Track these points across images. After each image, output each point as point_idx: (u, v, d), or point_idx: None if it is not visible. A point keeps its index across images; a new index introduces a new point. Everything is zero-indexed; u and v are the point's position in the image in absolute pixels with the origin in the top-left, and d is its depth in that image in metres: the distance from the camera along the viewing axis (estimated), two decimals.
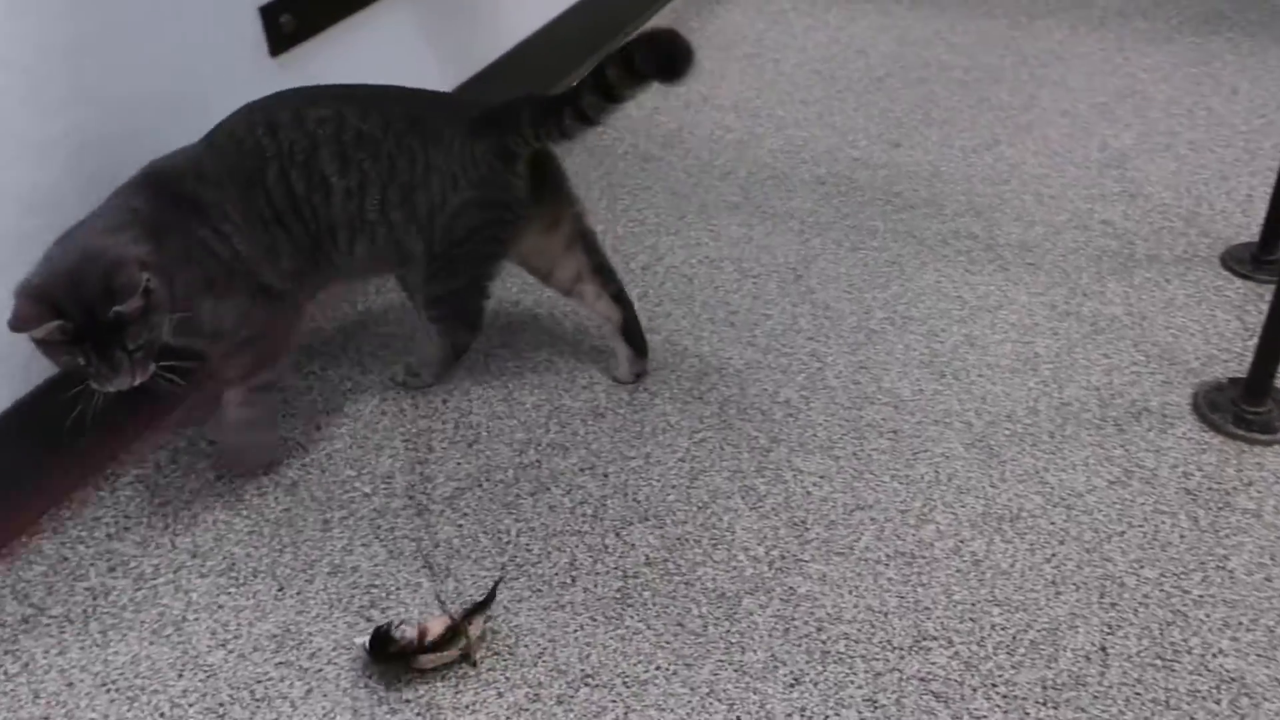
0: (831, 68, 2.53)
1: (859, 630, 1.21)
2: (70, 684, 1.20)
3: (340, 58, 1.74)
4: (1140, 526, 1.33)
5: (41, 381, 1.37)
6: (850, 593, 1.26)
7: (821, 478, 1.42)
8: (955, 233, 1.91)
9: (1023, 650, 1.18)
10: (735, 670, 1.17)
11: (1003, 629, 1.21)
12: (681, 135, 2.28)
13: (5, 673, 1.21)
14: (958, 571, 1.28)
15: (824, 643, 1.20)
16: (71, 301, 1.12)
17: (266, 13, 1.56)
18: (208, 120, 1.35)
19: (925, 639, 1.20)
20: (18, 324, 1.12)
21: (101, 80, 1.33)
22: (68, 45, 1.27)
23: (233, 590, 1.30)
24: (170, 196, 1.26)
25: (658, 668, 1.18)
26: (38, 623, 1.27)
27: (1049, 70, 2.49)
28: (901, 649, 1.19)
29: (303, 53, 1.65)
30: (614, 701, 1.15)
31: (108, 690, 1.19)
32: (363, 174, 1.32)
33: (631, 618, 1.24)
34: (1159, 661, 1.16)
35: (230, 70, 1.53)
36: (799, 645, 1.20)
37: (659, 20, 2.82)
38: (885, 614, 1.23)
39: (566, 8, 2.43)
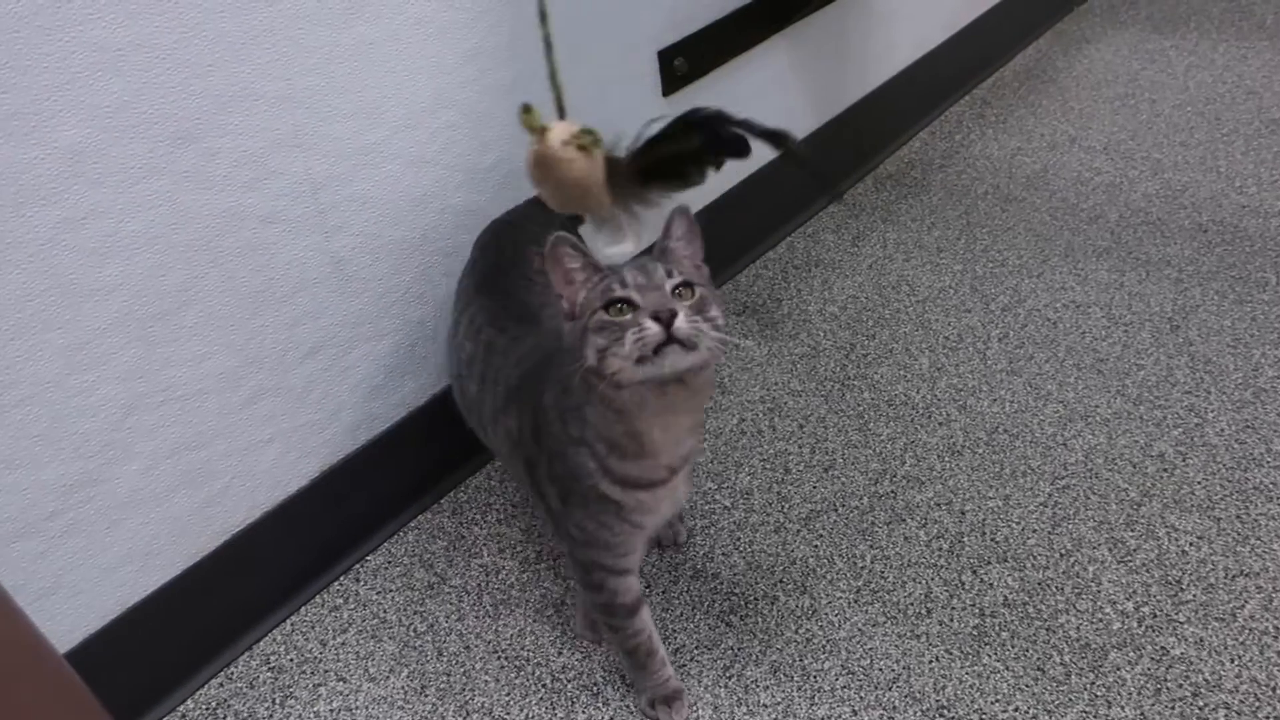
0: (1217, 109, 2.38)
1: (1241, 702, 1.14)
2: (467, 647, 1.35)
3: (722, 97, 1.85)
4: None
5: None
6: (1231, 661, 1.19)
7: (1199, 538, 1.34)
8: None
9: None
10: None
11: None
12: (1045, 176, 2.23)
13: (414, 630, 1.38)
14: None
15: (1200, 709, 1.14)
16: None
17: (663, 56, 1.70)
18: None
19: None
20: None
21: None
22: (503, 86, 1.45)
23: None
24: None
25: (1016, 709, 1.17)
26: (440, 590, 1.44)
27: None
28: None
29: (691, 92, 1.78)
30: None
31: (498, 657, 1.33)
32: None
33: (989, 656, 1.23)
34: None
35: (630, 108, 1.67)
36: (1172, 708, 1.15)
37: (1023, 59, 2.77)
38: (1273, 688, 1.15)
39: (933, 47, 2.45)
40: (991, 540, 1.39)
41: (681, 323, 0.88)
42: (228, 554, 1.35)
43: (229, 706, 1.31)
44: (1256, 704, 1.14)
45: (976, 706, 1.18)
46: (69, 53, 1.03)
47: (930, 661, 1.24)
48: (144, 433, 1.22)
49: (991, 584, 1.32)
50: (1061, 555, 1.35)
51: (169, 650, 1.32)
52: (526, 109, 1.02)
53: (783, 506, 1.49)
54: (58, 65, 1.02)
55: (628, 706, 1.24)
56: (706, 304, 0.92)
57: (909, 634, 1.28)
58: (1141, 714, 1.14)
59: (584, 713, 1.24)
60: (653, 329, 0.87)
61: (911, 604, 1.32)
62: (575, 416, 1.01)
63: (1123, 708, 1.15)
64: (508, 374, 1.16)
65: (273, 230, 1.27)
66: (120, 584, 1.25)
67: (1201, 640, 1.22)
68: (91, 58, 1.04)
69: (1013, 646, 1.24)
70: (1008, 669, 1.22)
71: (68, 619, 1.21)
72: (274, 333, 1.31)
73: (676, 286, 0.92)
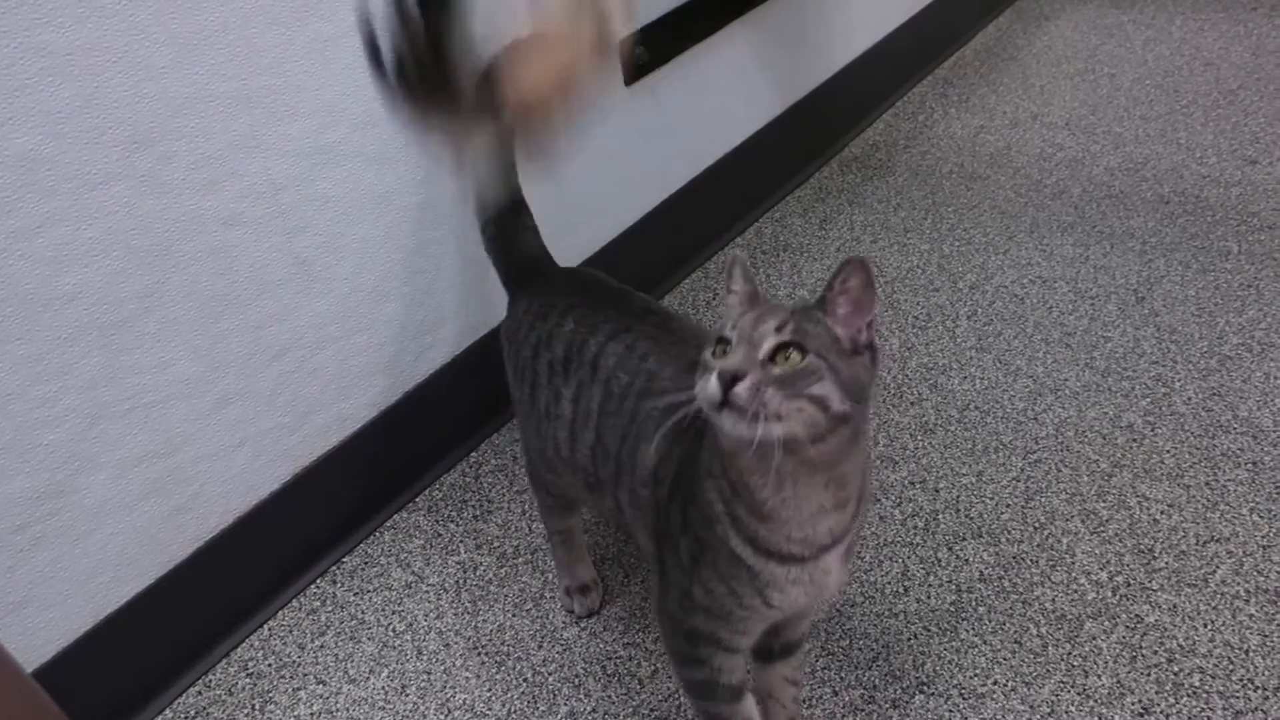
0: (1175, 81, 2.39)
1: (1216, 665, 1.15)
2: (447, 645, 1.35)
3: (683, 84, 1.85)
4: None
5: (424, 376, 1.55)
6: (1205, 626, 1.20)
7: (1170, 506, 1.36)
8: None
9: None
10: (1078, 693, 1.15)
11: None
12: (1009, 154, 2.24)
13: (393, 630, 1.38)
14: None
15: (1175, 674, 1.15)
16: None
17: (624, 45, 1.69)
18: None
19: None
20: None
21: None
22: None
23: None
24: None
25: (995, 683, 1.18)
26: (418, 589, 1.44)
27: None
28: (1266, 690, 1.12)
29: (652, 80, 1.78)
30: (950, 711, 1.15)
31: (478, 653, 1.33)
32: None
33: (966, 631, 1.24)
34: None
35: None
36: (1148, 675, 1.16)
37: (983, 38, 2.78)
38: (1246, 651, 1.16)
39: (892, 29, 2.45)
40: (966, 516, 1.39)
41: (741, 389, 0.78)
42: (202, 561, 1.34)
43: (208, 714, 1.30)
44: (1230, 667, 1.15)
45: (956, 681, 1.19)
46: (16, 58, 1.01)
47: (909, 639, 1.25)
48: (110, 442, 1.20)
49: (967, 560, 1.33)
50: (1035, 528, 1.36)
51: (145, 660, 1.31)
52: None
53: None
54: (5, 71, 1.01)
55: (609, 698, 1.24)
56: (804, 377, 0.79)
57: (887, 613, 1.28)
58: (1118, 681, 1.16)
59: (566, 705, 1.24)
60: (712, 384, 0.79)
61: (889, 583, 1.32)
62: (711, 445, 0.91)
63: (1100, 676, 1.16)
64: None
65: (234, 232, 1.25)
66: (93, 595, 1.24)
67: (1175, 607, 1.23)
68: (41, 63, 1.03)
69: (990, 621, 1.25)
70: (985, 643, 1.22)
71: (40, 633, 1.20)
72: (239, 336, 1.30)
73: (777, 348, 0.81)
